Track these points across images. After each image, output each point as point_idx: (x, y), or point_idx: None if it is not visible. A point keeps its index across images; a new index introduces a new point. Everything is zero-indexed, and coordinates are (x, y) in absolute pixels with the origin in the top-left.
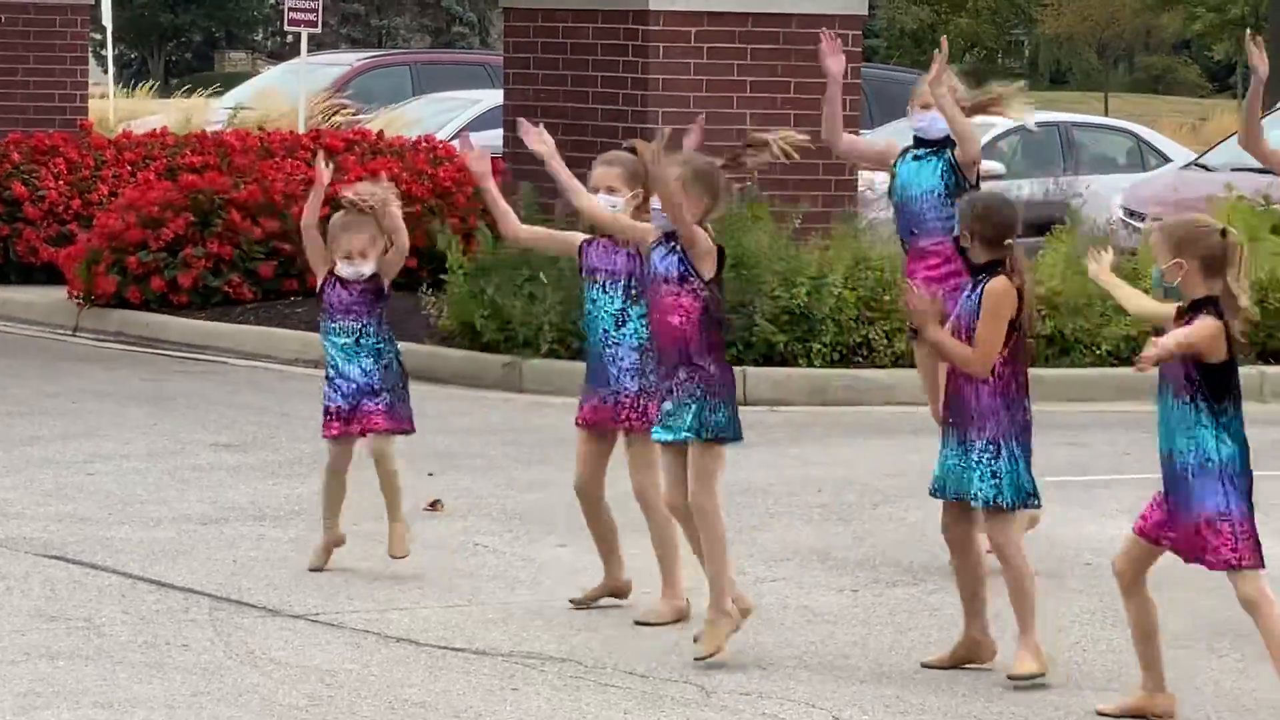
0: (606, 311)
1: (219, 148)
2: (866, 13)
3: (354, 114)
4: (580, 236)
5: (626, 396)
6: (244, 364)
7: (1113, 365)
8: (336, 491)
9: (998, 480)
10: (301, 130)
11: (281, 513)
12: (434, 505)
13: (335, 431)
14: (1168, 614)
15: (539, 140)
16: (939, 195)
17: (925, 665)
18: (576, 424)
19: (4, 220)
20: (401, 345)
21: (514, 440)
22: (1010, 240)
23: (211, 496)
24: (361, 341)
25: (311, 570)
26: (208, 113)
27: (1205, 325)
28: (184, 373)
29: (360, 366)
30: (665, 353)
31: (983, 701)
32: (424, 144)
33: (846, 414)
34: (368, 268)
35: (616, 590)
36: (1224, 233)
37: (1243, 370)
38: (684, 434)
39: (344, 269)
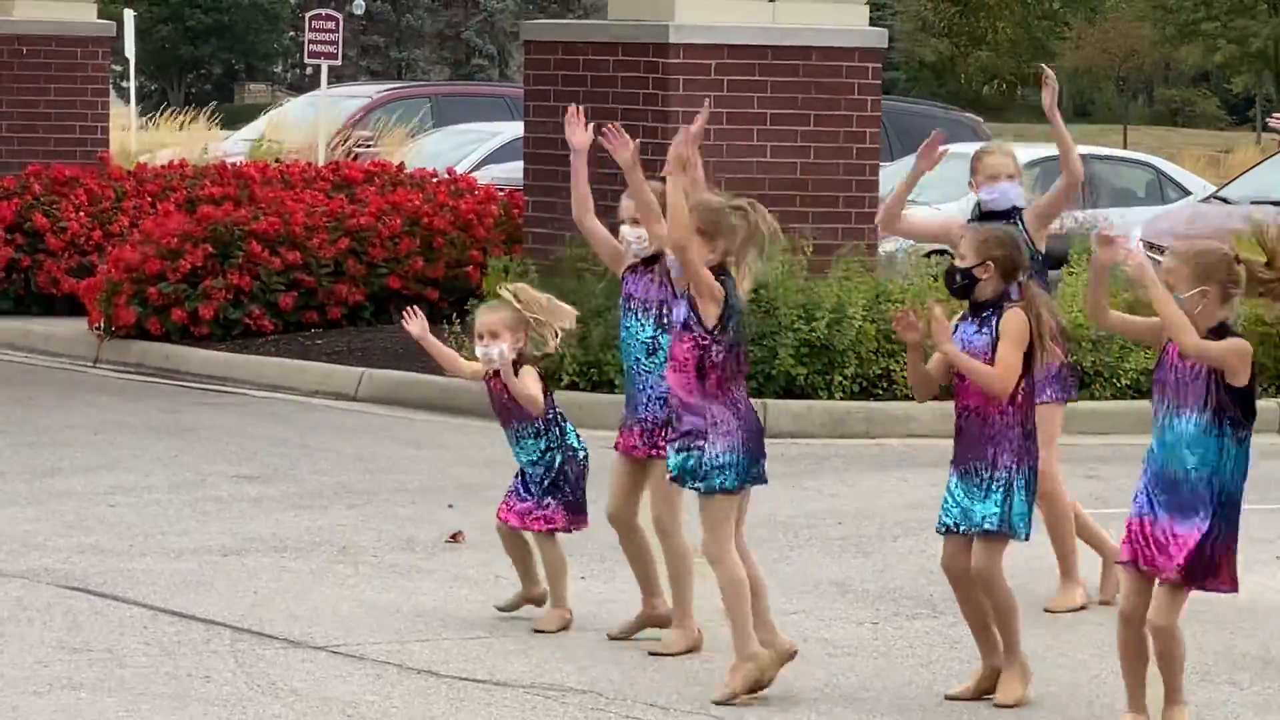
0: (639, 339)
1: (238, 179)
2: (886, 45)
3: (372, 146)
4: (628, 262)
5: (655, 424)
6: (264, 395)
7: (1133, 398)
8: (516, 554)
9: (1005, 509)
10: (321, 161)
11: (303, 544)
12: (455, 537)
13: (500, 518)
14: (1189, 649)
15: (623, 145)
16: None
17: (949, 697)
18: (615, 449)
19: (25, 251)
20: (421, 377)
21: None
22: (1024, 274)
23: (232, 528)
24: (521, 442)
25: (497, 608)
26: (226, 143)
27: (1242, 343)
28: (204, 404)
29: (526, 467)
30: (671, 397)
31: None
32: (445, 176)
33: (866, 446)
34: (496, 350)
35: (656, 621)
36: (1237, 258)
37: (1261, 404)
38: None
39: (477, 350)
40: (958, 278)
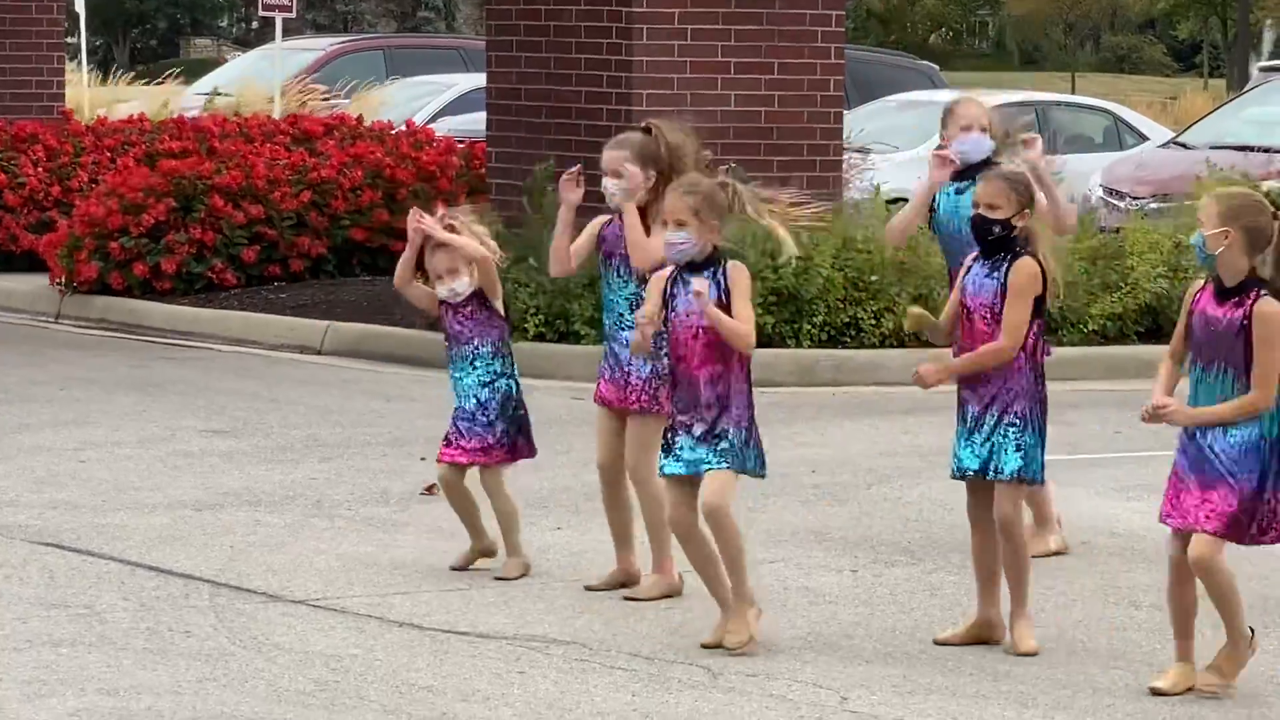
0: (621, 295)
1: (197, 133)
2: None
3: (327, 98)
4: (600, 221)
5: (638, 379)
6: (230, 349)
7: (1100, 344)
8: (461, 505)
9: (1023, 454)
10: (278, 115)
11: (276, 498)
12: (430, 489)
13: (444, 459)
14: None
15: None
16: None
17: (938, 641)
18: (595, 401)
19: None
20: (392, 329)
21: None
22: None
23: (205, 482)
24: (476, 365)
25: (451, 568)
26: (183, 99)
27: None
28: (170, 359)
29: (475, 395)
30: (691, 389)
31: (990, 680)
32: (406, 128)
33: (835, 395)
34: (462, 284)
35: (631, 579)
36: (1275, 215)
37: None
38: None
39: (441, 291)
40: (995, 229)
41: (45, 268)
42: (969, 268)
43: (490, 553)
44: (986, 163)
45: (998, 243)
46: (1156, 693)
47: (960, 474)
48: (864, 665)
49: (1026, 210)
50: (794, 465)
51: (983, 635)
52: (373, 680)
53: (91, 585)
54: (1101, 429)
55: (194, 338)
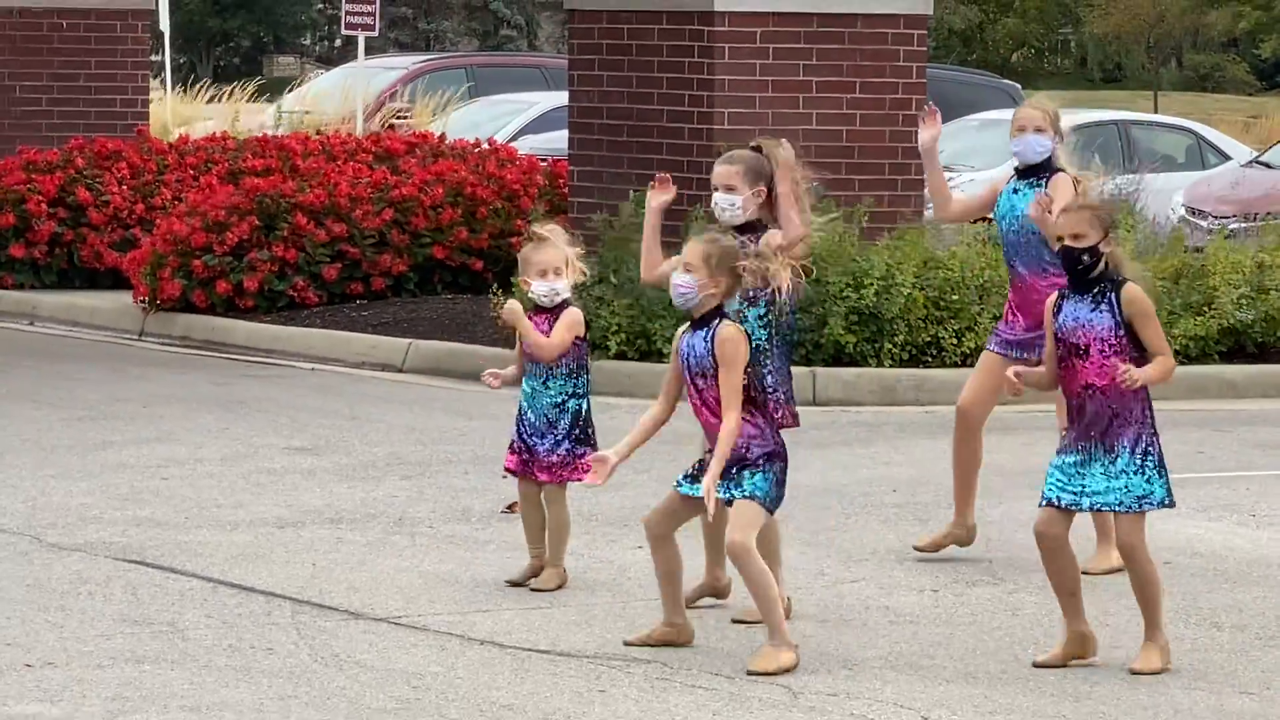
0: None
1: (280, 152)
2: (931, 12)
3: (409, 117)
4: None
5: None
6: (311, 367)
7: (1182, 364)
8: (535, 517)
9: (1150, 483)
10: (360, 133)
11: (358, 516)
12: (511, 508)
13: (510, 467)
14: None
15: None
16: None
17: (1037, 665)
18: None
19: (68, 225)
20: (474, 347)
21: None
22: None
23: (287, 500)
24: (549, 384)
25: (510, 583)
26: (263, 116)
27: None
28: (252, 376)
29: (547, 415)
30: (707, 431)
31: (1071, 702)
32: (488, 146)
33: (917, 414)
34: (562, 286)
35: (717, 590)
36: None
37: None
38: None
39: (537, 287)
40: (1084, 258)
41: (129, 285)
42: (1059, 307)
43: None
44: (1047, 164)
45: (1088, 272)
46: None
47: (1050, 502)
48: (945, 685)
49: (1110, 235)
50: (875, 484)
51: (1079, 651)
52: (454, 699)
53: (174, 602)
54: (1185, 449)
55: (276, 355)
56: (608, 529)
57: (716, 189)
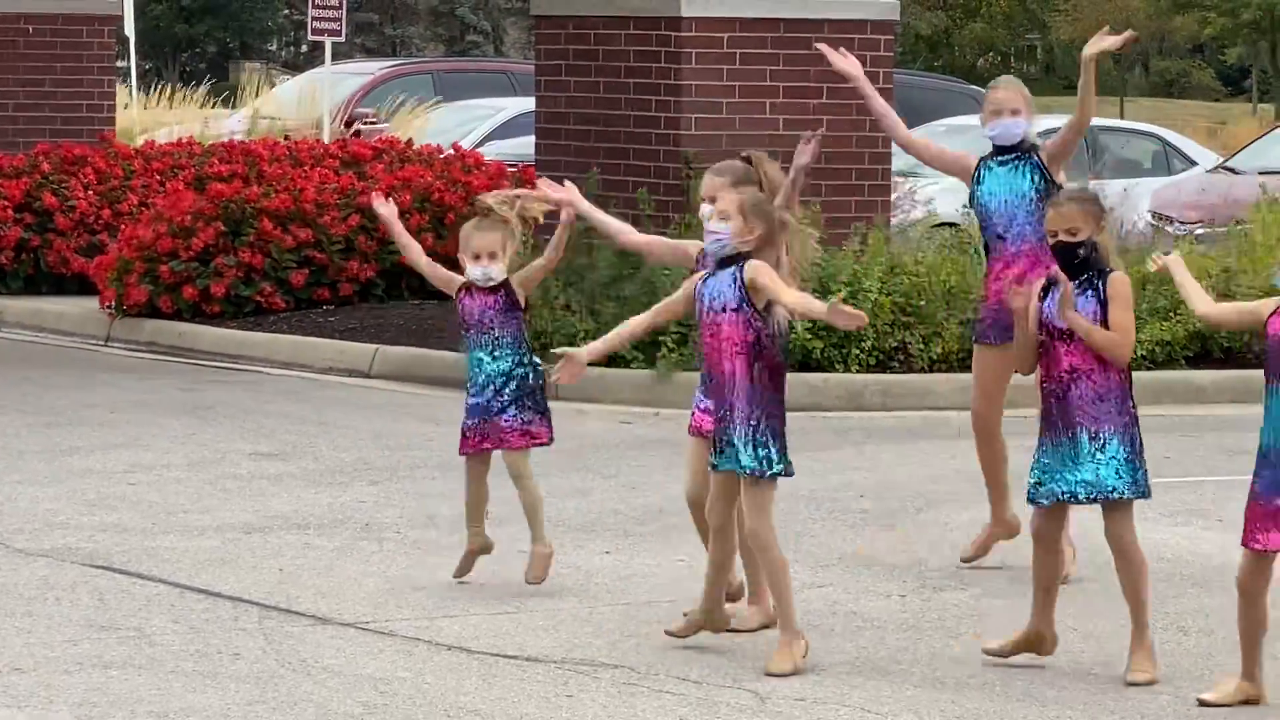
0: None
1: (246, 157)
2: (898, 17)
3: (377, 124)
4: (696, 245)
5: None
6: (278, 373)
7: (1149, 369)
8: (479, 495)
9: (1134, 473)
10: (327, 139)
11: (325, 521)
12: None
13: (468, 449)
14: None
15: (559, 191)
16: (1031, 199)
17: (986, 651)
18: (690, 433)
19: (34, 230)
20: (441, 353)
21: (553, 448)
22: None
23: (254, 505)
24: (496, 353)
25: (455, 578)
26: (231, 121)
27: None
28: (219, 382)
29: (494, 383)
30: (718, 382)
31: (1037, 706)
32: (454, 152)
33: (884, 419)
34: (496, 270)
35: (729, 594)
36: None
37: None
38: (740, 467)
39: (473, 271)
40: (1080, 250)
41: (95, 291)
42: (1042, 296)
43: (487, 549)
44: (1022, 144)
45: (1082, 263)
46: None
47: (1079, 498)
48: (912, 690)
49: (1102, 224)
50: (842, 490)
51: (1032, 647)
52: (421, 704)
53: (141, 608)
54: (1151, 453)
55: (243, 361)
56: (575, 534)
57: (703, 200)
